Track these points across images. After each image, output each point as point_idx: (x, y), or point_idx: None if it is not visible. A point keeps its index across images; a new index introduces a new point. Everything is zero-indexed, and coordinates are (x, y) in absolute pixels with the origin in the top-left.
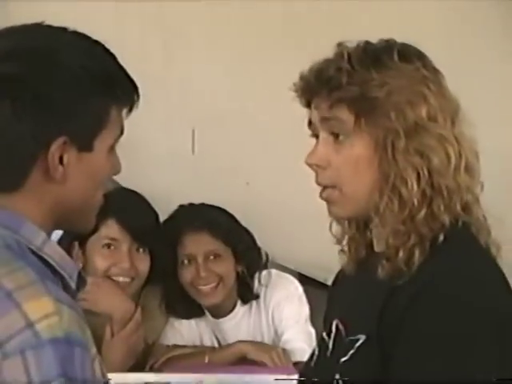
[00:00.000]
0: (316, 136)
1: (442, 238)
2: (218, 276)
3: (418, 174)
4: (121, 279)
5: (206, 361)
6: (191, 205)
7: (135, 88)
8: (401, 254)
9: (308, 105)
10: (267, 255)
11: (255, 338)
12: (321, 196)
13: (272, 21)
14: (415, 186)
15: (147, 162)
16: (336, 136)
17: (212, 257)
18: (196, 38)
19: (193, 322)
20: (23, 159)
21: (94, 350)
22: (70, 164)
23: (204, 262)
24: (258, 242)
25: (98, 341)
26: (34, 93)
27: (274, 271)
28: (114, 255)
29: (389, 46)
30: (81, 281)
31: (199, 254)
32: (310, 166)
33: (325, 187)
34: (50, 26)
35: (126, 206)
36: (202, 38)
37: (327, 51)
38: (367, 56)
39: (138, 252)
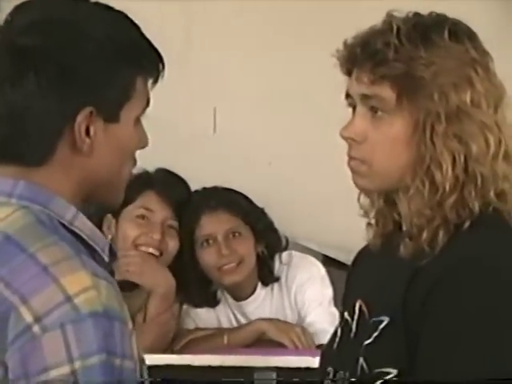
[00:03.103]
0: (353, 107)
1: (468, 223)
2: (239, 255)
3: (454, 160)
4: (150, 250)
5: (225, 341)
6: (205, 188)
7: (160, 58)
8: (425, 234)
9: (348, 73)
10: (287, 238)
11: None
12: (348, 165)
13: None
14: (450, 171)
15: (169, 142)
16: (375, 111)
17: (231, 235)
18: (216, 16)
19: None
20: (50, 132)
21: (130, 325)
22: (96, 136)
23: (225, 240)
24: (281, 223)
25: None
26: (58, 64)
27: (294, 253)
28: (147, 226)
29: (440, 22)
30: (112, 254)
31: (219, 233)
32: (345, 139)
33: (354, 158)
34: None
35: (167, 180)
36: (223, 16)
37: (345, 34)
38: (417, 31)
39: (169, 228)
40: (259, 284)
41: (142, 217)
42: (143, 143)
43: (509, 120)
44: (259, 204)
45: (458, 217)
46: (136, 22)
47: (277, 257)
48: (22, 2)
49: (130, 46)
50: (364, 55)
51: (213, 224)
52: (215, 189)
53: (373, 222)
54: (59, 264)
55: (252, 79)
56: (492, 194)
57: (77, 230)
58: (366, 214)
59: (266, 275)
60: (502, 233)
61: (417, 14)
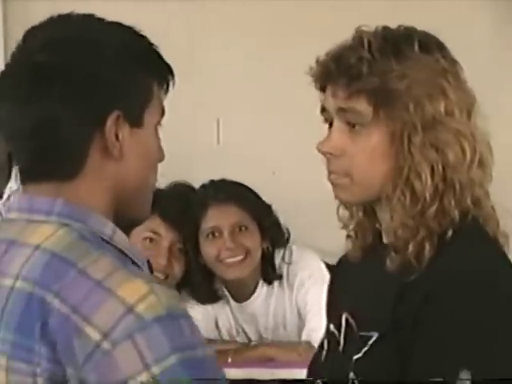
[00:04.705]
0: (329, 123)
1: (450, 232)
2: (245, 249)
3: (433, 169)
4: (155, 274)
5: (229, 361)
6: (213, 181)
7: (170, 68)
8: (410, 247)
9: (322, 89)
10: (288, 231)
11: (278, 317)
12: (328, 179)
13: (294, 7)
14: (429, 181)
15: (172, 153)
16: (352, 125)
17: (238, 229)
18: (219, 28)
19: (209, 306)
20: (81, 140)
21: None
22: (124, 140)
23: (230, 234)
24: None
25: None
26: (80, 73)
27: (294, 247)
28: (154, 249)
29: (409, 34)
30: (149, 269)
31: (225, 226)
32: (323, 153)
33: (334, 172)
34: (79, 14)
35: (172, 204)
36: (226, 28)
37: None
38: (387, 45)
39: (176, 251)
40: (260, 282)
41: (150, 239)
42: (161, 156)
43: (480, 126)
44: None
45: (439, 226)
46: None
47: (277, 253)
48: (34, 25)
49: (144, 54)
50: (338, 71)
51: (219, 217)
52: (223, 182)
53: (352, 234)
54: (111, 276)
55: (255, 89)
56: (469, 201)
57: (118, 245)
58: (345, 227)
59: (269, 272)
60: (484, 243)
61: (386, 28)
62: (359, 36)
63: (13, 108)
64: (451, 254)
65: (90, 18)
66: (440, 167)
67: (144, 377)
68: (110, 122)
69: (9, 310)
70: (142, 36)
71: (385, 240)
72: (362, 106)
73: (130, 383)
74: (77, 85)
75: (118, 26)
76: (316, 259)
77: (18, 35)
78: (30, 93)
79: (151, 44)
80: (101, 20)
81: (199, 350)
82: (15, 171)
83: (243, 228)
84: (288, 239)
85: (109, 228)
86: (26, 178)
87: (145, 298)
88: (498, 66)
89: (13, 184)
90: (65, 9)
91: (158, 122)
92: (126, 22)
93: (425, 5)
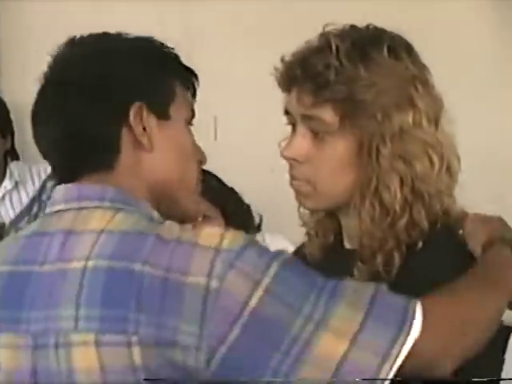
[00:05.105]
0: (292, 125)
1: (420, 243)
2: None
3: (402, 180)
4: None
5: None
6: None
7: (190, 69)
8: (379, 257)
9: (287, 90)
10: (261, 217)
11: None
12: (291, 185)
13: (294, 6)
14: (398, 193)
15: None
16: (316, 132)
17: (200, 219)
18: (217, 26)
19: None
20: (109, 138)
21: None
22: (152, 131)
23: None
24: (283, 230)
25: None
26: (95, 75)
27: (267, 235)
28: None
29: (378, 38)
30: None
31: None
32: (287, 159)
33: (297, 179)
34: (91, 34)
35: None
36: (224, 25)
37: None
38: (355, 50)
39: None
40: None
41: None
42: (200, 155)
43: (446, 131)
44: (261, 210)
45: (409, 237)
46: (135, 31)
47: None
48: (52, 56)
49: (157, 53)
50: (304, 76)
51: None
52: None
53: (312, 232)
54: (183, 233)
55: (253, 87)
56: (438, 208)
57: None
58: (305, 224)
59: None
60: (454, 251)
61: (353, 28)
62: (326, 38)
63: (43, 125)
64: (422, 264)
65: (101, 34)
66: (409, 179)
67: (259, 293)
68: (133, 112)
69: (87, 289)
70: (156, 41)
71: (347, 245)
72: (328, 115)
73: (251, 304)
74: (92, 87)
75: (132, 36)
76: (289, 246)
77: (11, 35)
78: (53, 108)
79: (167, 47)
80: (113, 33)
81: (286, 254)
82: (9, 170)
83: (205, 217)
84: (260, 225)
85: (155, 213)
86: (63, 181)
87: (224, 237)
88: (498, 66)
89: (7, 183)
90: (60, 9)
91: (188, 121)
92: (123, 21)
93: (425, 5)
